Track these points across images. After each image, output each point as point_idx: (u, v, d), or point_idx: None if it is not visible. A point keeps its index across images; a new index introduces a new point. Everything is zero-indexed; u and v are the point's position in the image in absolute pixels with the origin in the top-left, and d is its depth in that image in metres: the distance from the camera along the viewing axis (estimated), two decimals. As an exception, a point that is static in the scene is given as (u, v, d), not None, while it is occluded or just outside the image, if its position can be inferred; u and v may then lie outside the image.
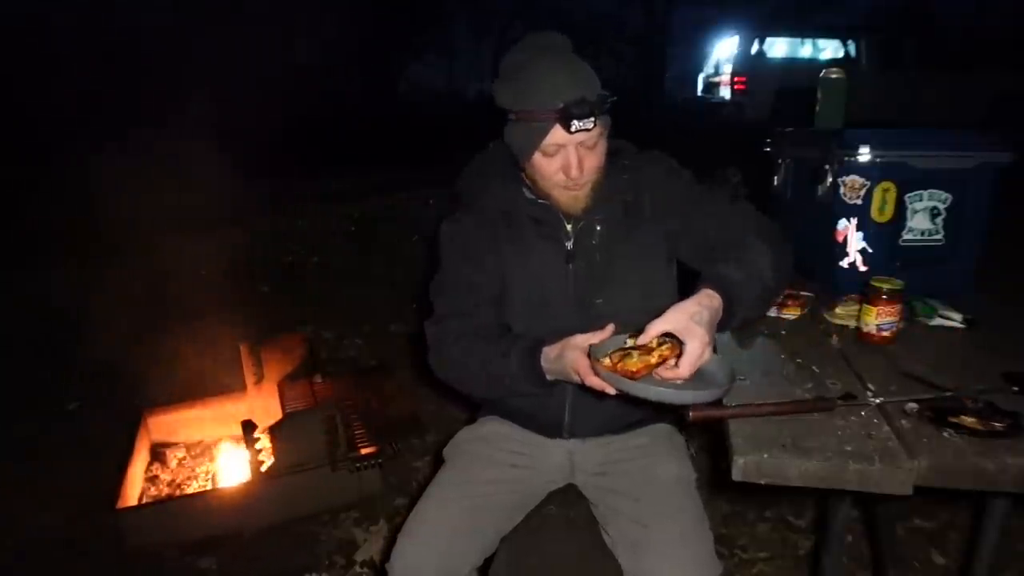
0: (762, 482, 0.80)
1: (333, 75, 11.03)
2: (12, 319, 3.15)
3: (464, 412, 1.86)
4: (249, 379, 2.34)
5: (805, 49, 7.86)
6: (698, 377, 0.92)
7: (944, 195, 1.40)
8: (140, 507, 1.96)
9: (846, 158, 1.37)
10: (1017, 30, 10.03)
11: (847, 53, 7.61)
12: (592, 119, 1.04)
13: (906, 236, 1.42)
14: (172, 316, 2.95)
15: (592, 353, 0.98)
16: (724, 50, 8.18)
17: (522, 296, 1.20)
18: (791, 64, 7.53)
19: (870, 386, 0.98)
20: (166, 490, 2.14)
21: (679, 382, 0.92)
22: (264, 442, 2.11)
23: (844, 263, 1.43)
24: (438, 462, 1.29)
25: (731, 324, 1.00)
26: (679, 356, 0.91)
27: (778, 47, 7.80)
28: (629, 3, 14.80)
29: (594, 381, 0.97)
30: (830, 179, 1.41)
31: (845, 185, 1.39)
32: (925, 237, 1.42)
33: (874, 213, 1.39)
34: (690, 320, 0.91)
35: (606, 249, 1.18)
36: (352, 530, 1.97)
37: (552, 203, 1.16)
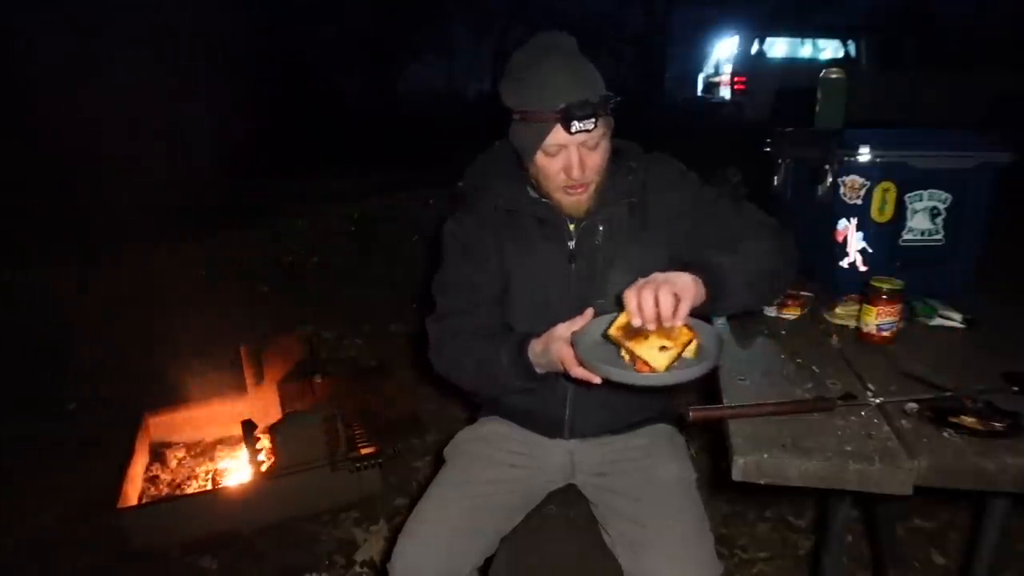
0: (762, 482, 0.80)
1: (333, 75, 11.04)
2: (12, 319, 3.15)
3: (464, 412, 1.86)
4: (249, 379, 2.34)
5: (805, 49, 7.86)
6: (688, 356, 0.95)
7: (944, 195, 1.40)
8: (140, 507, 1.96)
9: (846, 158, 1.37)
10: (1017, 30, 10.03)
11: (847, 53, 7.61)
12: (593, 120, 1.05)
13: (906, 236, 1.42)
14: (172, 316, 2.95)
15: (575, 340, 0.98)
16: (724, 50, 8.17)
17: (524, 296, 1.20)
18: (791, 64, 7.53)
19: (870, 386, 0.98)
20: (166, 490, 2.14)
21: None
22: (264, 442, 2.11)
23: (844, 263, 1.43)
24: (438, 462, 1.29)
25: (720, 304, 1.02)
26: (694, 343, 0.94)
27: (778, 47, 7.80)
28: (629, 3, 14.79)
29: (579, 372, 0.98)
30: (830, 179, 1.41)
31: (845, 185, 1.39)
32: (925, 237, 1.42)
33: (874, 213, 1.39)
34: (644, 279, 0.93)
35: (609, 250, 1.18)
36: (352, 530, 1.97)
37: (555, 205, 1.16)
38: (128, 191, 4.12)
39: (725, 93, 7.94)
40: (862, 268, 1.42)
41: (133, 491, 2.03)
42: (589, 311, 1.02)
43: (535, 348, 1.07)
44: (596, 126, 1.05)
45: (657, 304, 0.91)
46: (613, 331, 0.96)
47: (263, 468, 2.03)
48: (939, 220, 1.41)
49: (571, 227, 1.19)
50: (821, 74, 1.68)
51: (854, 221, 1.40)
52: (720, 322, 1.23)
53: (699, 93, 9.00)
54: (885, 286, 1.13)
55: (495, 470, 1.23)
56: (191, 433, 2.41)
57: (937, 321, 1.24)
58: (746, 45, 7.64)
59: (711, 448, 2.12)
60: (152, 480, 2.18)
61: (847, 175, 1.38)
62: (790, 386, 0.99)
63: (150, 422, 2.33)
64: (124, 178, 4.25)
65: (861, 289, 1.21)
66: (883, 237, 1.41)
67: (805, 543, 1.82)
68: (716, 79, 8.24)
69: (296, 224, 4.37)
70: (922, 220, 1.41)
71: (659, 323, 0.93)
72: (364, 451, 2.07)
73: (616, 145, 1.19)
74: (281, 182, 5.54)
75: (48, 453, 2.35)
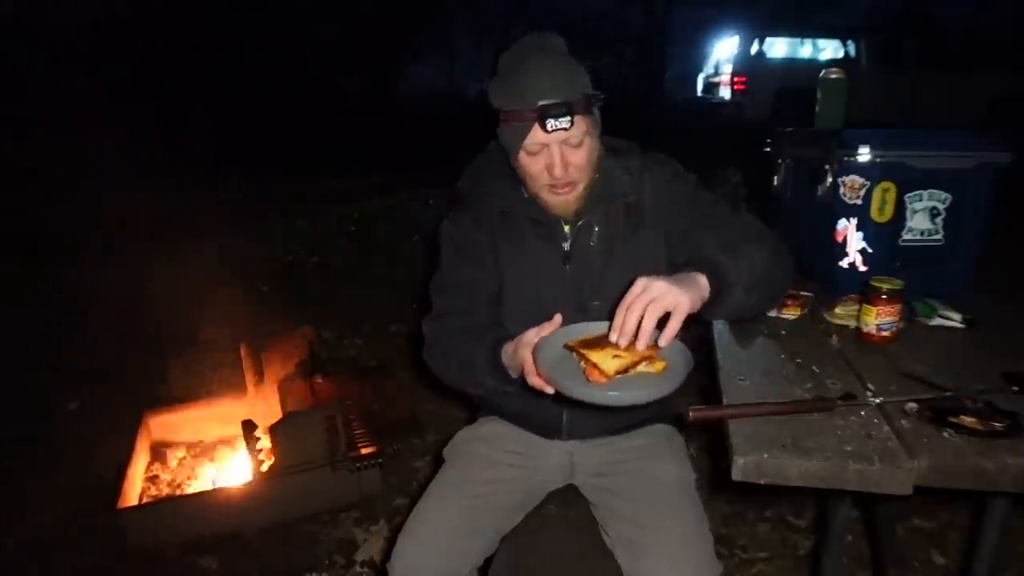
0: (762, 482, 0.80)
1: (334, 75, 11.04)
2: (13, 319, 3.15)
3: (464, 412, 1.86)
4: (249, 379, 2.34)
5: (805, 49, 7.86)
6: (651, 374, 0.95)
7: (944, 195, 1.40)
8: (140, 507, 1.96)
9: (846, 158, 1.37)
10: (1016, 31, 10.03)
11: (847, 53, 7.61)
12: (569, 118, 1.05)
13: (906, 236, 1.42)
14: (172, 316, 2.95)
15: (537, 347, 0.97)
16: (724, 50, 8.18)
17: (518, 297, 1.20)
18: (791, 64, 7.53)
19: (870, 386, 0.98)
20: (166, 490, 2.14)
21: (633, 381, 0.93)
22: (264, 442, 2.11)
23: (844, 263, 1.43)
24: (438, 462, 1.29)
25: (718, 307, 1.02)
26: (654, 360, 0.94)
27: (778, 47, 7.80)
28: (629, 3, 14.79)
29: (535, 381, 0.98)
30: (830, 179, 1.41)
31: (845, 185, 1.39)
32: (925, 237, 1.42)
33: (874, 213, 1.39)
34: (639, 291, 0.93)
35: (604, 250, 1.18)
36: (352, 530, 1.97)
37: (542, 205, 1.16)
38: (127, 191, 4.12)
39: (725, 93, 7.94)
40: (862, 268, 1.42)
41: (133, 491, 2.03)
42: (557, 317, 1.01)
43: (507, 350, 1.07)
44: (573, 124, 1.06)
45: (640, 323, 0.91)
46: (573, 343, 0.97)
47: (263, 468, 2.03)
48: (939, 220, 1.41)
49: (565, 228, 1.19)
50: (821, 74, 1.68)
51: (854, 221, 1.40)
52: (720, 324, 1.23)
53: (699, 93, 9.00)
54: (885, 286, 1.13)
55: (494, 470, 1.23)
56: (191, 433, 2.41)
57: (937, 321, 1.24)
58: (746, 45, 7.64)
59: (711, 448, 2.12)
60: (152, 480, 2.18)
61: (847, 175, 1.38)
62: (790, 386, 0.99)
63: (150, 422, 2.33)
64: (123, 178, 4.25)
65: (861, 289, 1.21)
66: (883, 237, 1.41)
67: (805, 543, 1.82)
68: (716, 79, 8.24)
69: (296, 224, 4.37)
70: (922, 220, 1.41)
71: (633, 343, 0.92)
72: (364, 451, 2.07)
73: (613, 145, 1.19)
74: (281, 182, 5.53)
75: (48, 453, 2.35)
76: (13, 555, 1.91)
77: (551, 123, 1.05)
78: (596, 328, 1.02)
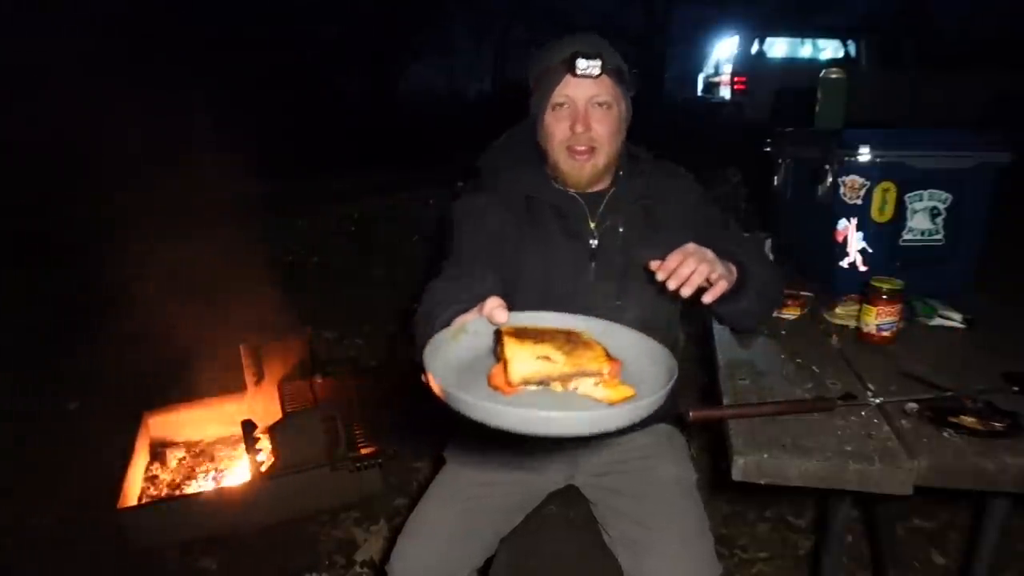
0: (762, 482, 0.80)
1: (334, 75, 11.04)
2: (13, 318, 3.15)
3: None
4: (249, 379, 2.34)
5: (805, 49, 7.87)
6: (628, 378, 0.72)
7: (944, 195, 1.40)
8: (140, 507, 1.96)
9: (846, 158, 1.37)
10: (1014, 31, 10.03)
11: (847, 53, 7.61)
12: (599, 62, 1.07)
13: (906, 236, 1.42)
14: (171, 316, 2.95)
15: (441, 335, 0.76)
16: (724, 50, 8.18)
17: (538, 289, 1.18)
18: (791, 64, 7.54)
19: (870, 386, 0.98)
20: (166, 490, 2.14)
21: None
22: (264, 442, 2.11)
23: (844, 263, 1.43)
24: (438, 462, 1.29)
25: (732, 304, 1.03)
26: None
27: (778, 47, 7.80)
28: (629, 3, 14.79)
29: (429, 378, 0.71)
30: (830, 179, 1.41)
31: (845, 185, 1.39)
32: (925, 237, 1.42)
33: (874, 213, 1.39)
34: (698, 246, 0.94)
35: (625, 251, 1.17)
36: (352, 530, 1.97)
37: (559, 176, 1.16)
38: (127, 191, 4.12)
39: (725, 93, 7.94)
40: (862, 268, 1.42)
41: (133, 491, 2.03)
42: (494, 301, 0.78)
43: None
44: (603, 73, 1.08)
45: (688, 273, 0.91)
46: (508, 328, 0.75)
47: (263, 468, 2.03)
48: (939, 220, 1.41)
49: (592, 225, 1.18)
50: (821, 74, 1.69)
51: (854, 221, 1.40)
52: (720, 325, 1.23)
53: (699, 93, 9.00)
54: (885, 286, 1.14)
55: (495, 471, 1.22)
56: (191, 433, 2.40)
57: (937, 321, 1.25)
58: (746, 45, 7.64)
59: (711, 448, 2.12)
60: (152, 480, 2.18)
61: (847, 175, 1.38)
62: (790, 386, 1.00)
63: (150, 422, 2.33)
64: (123, 178, 4.24)
65: (861, 289, 1.21)
66: (883, 237, 1.41)
67: (805, 543, 1.82)
68: (716, 79, 8.24)
69: (296, 224, 4.37)
70: (922, 220, 1.41)
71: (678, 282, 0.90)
72: (364, 451, 2.07)
73: (632, 150, 1.21)
74: (281, 182, 5.53)
75: (48, 453, 2.35)
76: (13, 555, 1.91)
77: (581, 64, 1.06)
78: (570, 322, 0.81)
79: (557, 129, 1.12)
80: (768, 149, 1.75)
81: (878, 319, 1.14)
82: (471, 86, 16.18)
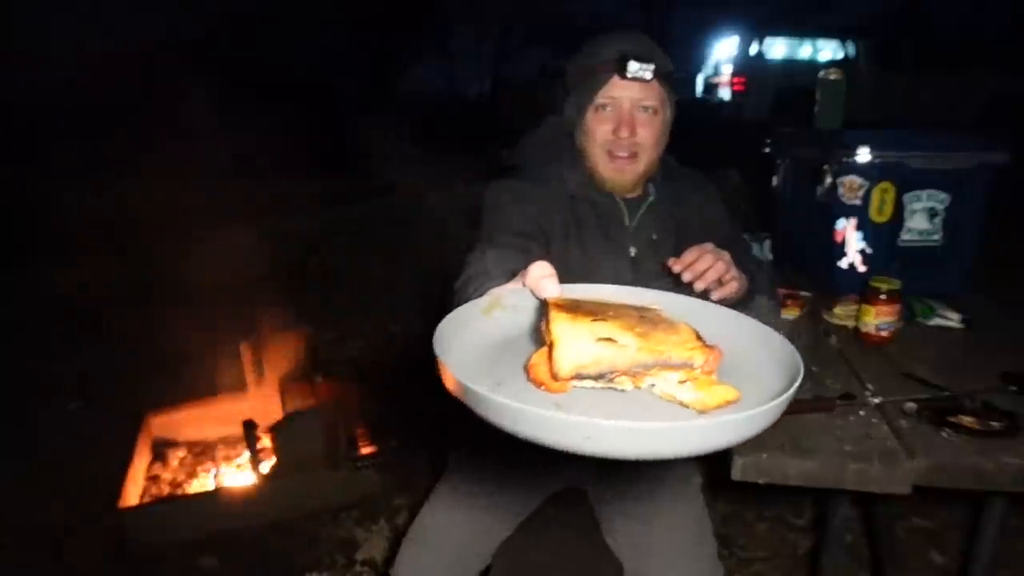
0: (761, 482, 0.80)
1: (334, 76, 11.03)
2: (13, 318, 3.15)
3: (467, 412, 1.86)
4: (250, 379, 2.34)
5: (804, 50, 7.88)
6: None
7: (942, 195, 1.40)
8: (141, 507, 1.96)
9: (845, 158, 1.38)
10: (1012, 33, 10.05)
11: (846, 54, 7.63)
12: (651, 66, 1.02)
13: (904, 236, 1.43)
14: (172, 316, 2.95)
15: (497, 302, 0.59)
16: (723, 51, 8.19)
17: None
18: (790, 65, 7.55)
19: (869, 386, 0.99)
20: (167, 490, 2.14)
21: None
22: (265, 442, 2.11)
23: (843, 263, 1.44)
24: (438, 462, 1.30)
25: (748, 307, 1.03)
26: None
27: (777, 48, 7.82)
28: (629, 4, 14.80)
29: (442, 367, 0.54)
30: (829, 179, 1.41)
31: (844, 185, 1.39)
32: (923, 237, 1.43)
33: (873, 213, 1.39)
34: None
35: (659, 260, 1.13)
36: (353, 529, 1.97)
37: (597, 179, 1.11)
38: (127, 191, 4.12)
39: (724, 94, 7.95)
40: (861, 268, 1.42)
41: (134, 491, 2.03)
42: (539, 267, 0.59)
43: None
44: (653, 77, 1.03)
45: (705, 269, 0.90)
46: (556, 299, 0.55)
47: (264, 468, 2.03)
48: (937, 220, 1.42)
49: (630, 232, 1.15)
50: (820, 75, 1.69)
51: (853, 221, 1.41)
52: None
53: (699, 94, 9.01)
54: (884, 286, 1.14)
55: (500, 474, 1.22)
56: (192, 433, 2.40)
57: (935, 321, 1.25)
58: (745, 45, 7.66)
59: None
60: (153, 480, 2.18)
61: (846, 175, 1.39)
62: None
63: (151, 421, 2.33)
64: (122, 178, 4.24)
65: (860, 289, 1.22)
66: (882, 237, 1.41)
67: (804, 543, 1.82)
68: (716, 80, 8.26)
69: (296, 224, 4.37)
70: (920, 220, 1.42)
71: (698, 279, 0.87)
72: (364, 451, 2.07)
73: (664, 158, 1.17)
74: (281, 182, 5.53)
75: (49, 453, 2.35)
76: (13, 555, 1.91)
77: (632, 67, 1.01)
78: (646, 297, 0.62)
79: (599, 131, 1.07)
80: (768, 149, 1.76)
81: (877, 319, 1.15)
82: (472, 88, 16.18)
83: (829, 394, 0.96)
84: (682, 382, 0.49)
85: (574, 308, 0.52)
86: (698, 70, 9.15)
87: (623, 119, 1.05)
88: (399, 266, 3.81)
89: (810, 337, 1.22)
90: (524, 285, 0.60)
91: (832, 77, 1.67)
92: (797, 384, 0.48)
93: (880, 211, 1.39)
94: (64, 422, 2.57)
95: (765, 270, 1.17)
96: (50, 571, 1.87)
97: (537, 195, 1.11)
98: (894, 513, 1.77)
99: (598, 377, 0.49)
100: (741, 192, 3.29)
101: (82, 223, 3.91)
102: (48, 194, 4.44)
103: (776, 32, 7.92)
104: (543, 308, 0.54)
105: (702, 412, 0.49)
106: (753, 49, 7.67)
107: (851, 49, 7.64)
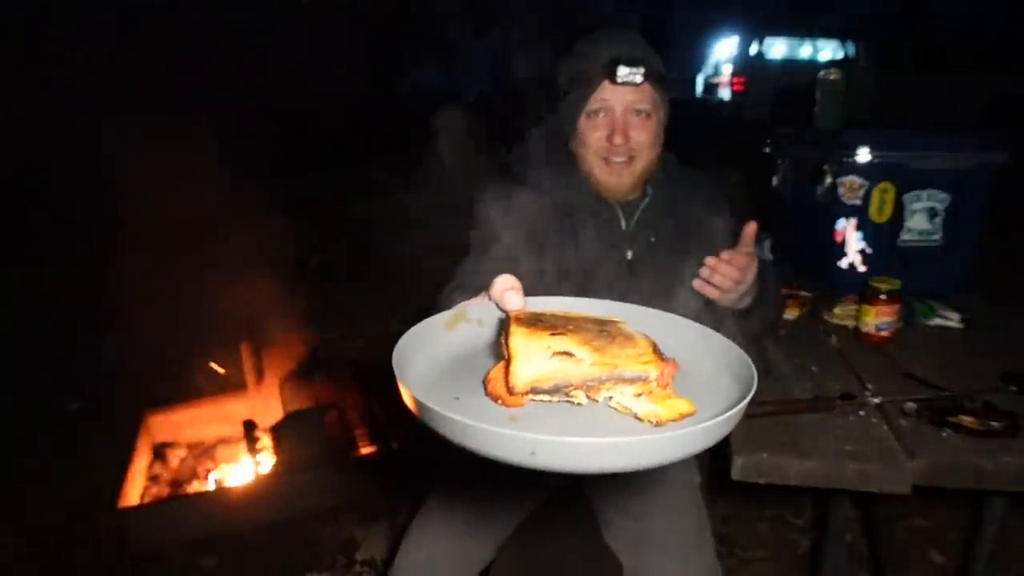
0: (761, 482, 0.80)
1: (334, 76, 11.04)
2: (14, 319, 3.15)
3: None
4: (250, 379, 2.35)
5: (804, 50, 7.88)
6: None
7: (942, 196, 1.40)
8: (142, 506, 1.96)
9: (845, 158, 1.38)
10: (1012, 33, 10.05)
11: (846, 54, 7.63)
12: (641, 70, 1.00)
13: (904, 236, 1.43)
14: (172, 316, 2.95)
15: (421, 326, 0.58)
16: (723, 51, 8.20)
17: (574, 294, 1.13)
18: (790, 65, 7.55)
19: (869, 386, 0.99)
20: (167, 489, 2.14)
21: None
22: (265, 442, 2.11)
23: (843, 263, 1.44)
24: (438, 462, 1.30)
25: (748, 320, 1.01)
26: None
27: (777, 48, 7.82)
28: (629, 4, 14.80)
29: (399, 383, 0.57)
30: (829, 179, 1.41)
31: (844, 185, 1.39)
32: (923, 237, 1.43)
33: (873, 213, 1.39)
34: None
35: (657, 262, 1.15)
36: (353, 529, 1.97)
37: (593, 184, 1.10)
38: (127, 192, 4.12)
39: (725, 94, 7.96)
40: (861, 268, 1.42)
41: (134, 491, 2.03)
42: (504, 283, 0.60)
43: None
44: (644, 81, 1.01)
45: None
46: (518, 312, 0.56)
47: (264, 468, 2.03)
48: (937, 220, 1.42)
49: (626, 235, 1.14)
50: (820, 75, 1.69)
51: (853, 221, 1.41)
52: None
53: (699, 94, 9.02)
54: (884, 286, 1.14)
55: (497, 472, 1.22)
56: (192, 433, 2.40)
57: (935, 321, 1.25)
58: (745, 45, 7.66)
59: (711, 448, 2.12)
60: (153, 480, 2.18)
61: (846, 175, 1.39)
62: (789, 386, 1.00)
63: (151, 422, 2.33)
64: (124, 179, 4.24)
65: (860, 289, 1.22)
66: (882, 237, 1.41)
67: (804, 542, 1.83)
68: (716, 80, 8.26)
69: (296, 224, 4.37)
70: (920, 220, 1.42)
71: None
72: (364, 451, 2.07)
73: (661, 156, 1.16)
74: (282, 182, 5.53)
75: (49, 453, 2.35)
76: (13, 555, 1.91)
77: (622, 72, 0.99)
78: (609, 310, 0.64)
79: (592, 138, 1.06)
80: (768, 149, 1.76)
81: (877, 319, 1.15)
82: (471, 88, 16.17)
83: (829, 394, 0.96)
84: (638, 395, 0.50)
85: (534, 322, 0.52)
86: (698, 70, 9.15)
87: (616, 125, 1.04)
88: (399, 266, 3.81)
89: (810, 337, 1.22)
90: (490, 298, 0.61)
91: (832, 77, 1.67)
92: (747, 400, 0.47)
93: (880, 211, 1.39)
94: (64, 422, 2.58)
95: (771, 276, 1.14)
96: (50, 571, 1.87)
97: (531, 201, 1.11)
98: (894, 513, 1.77)
99: (553, 391, 0.50)
100: (741, 192, 3.29)
101: (82, 224, 3.91)
102: (48, 195, 4.44)
103: (776, 32, 7.92)
104: (505, 321, 0.55)
105: (657, 425, 0.49)
106: (753, 49, 7.67)
107: (851, 49, 7.65)
